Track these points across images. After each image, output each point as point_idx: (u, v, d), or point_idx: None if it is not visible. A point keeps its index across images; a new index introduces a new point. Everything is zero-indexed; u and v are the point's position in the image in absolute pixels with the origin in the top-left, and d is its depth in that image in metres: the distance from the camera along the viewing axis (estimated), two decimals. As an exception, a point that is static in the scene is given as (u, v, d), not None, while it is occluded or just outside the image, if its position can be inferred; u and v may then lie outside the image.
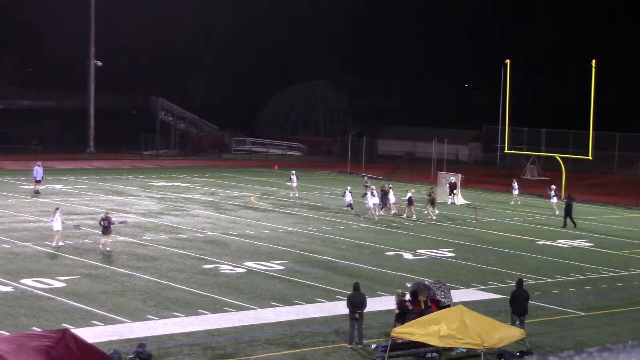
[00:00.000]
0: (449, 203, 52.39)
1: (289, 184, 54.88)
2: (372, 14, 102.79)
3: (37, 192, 50.18)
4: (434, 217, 45.24)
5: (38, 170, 50.70)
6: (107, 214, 34.01)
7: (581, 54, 73.26)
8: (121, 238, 36.56)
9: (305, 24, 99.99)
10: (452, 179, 54.45)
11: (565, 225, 44.11)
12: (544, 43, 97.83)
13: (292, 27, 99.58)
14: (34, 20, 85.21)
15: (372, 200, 44.57)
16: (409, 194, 45.52)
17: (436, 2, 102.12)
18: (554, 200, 49.23)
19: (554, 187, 50.54)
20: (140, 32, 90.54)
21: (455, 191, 53.25)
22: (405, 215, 45.53)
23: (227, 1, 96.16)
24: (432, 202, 45.83)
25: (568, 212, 44.34)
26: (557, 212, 47.85)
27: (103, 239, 33.37)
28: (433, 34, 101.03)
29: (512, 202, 52.63)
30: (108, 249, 33.12)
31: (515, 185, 53.24)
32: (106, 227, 32.96)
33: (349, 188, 47.19)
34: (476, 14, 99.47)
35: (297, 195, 53.22)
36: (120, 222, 36.26)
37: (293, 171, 55.94)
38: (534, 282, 30.48)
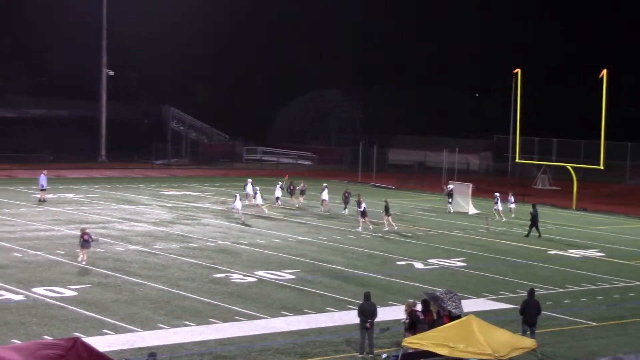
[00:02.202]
0: (451, 211, 52.35)
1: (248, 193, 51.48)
2: (383, 24, 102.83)
3: (43, 201, 50.35)
4: (394, 227, 43.89)
5: (43, 179, 50.95)
6: (84, 229, 33.69)
7: (593, 63, 73.09)
8: (132, 247, 36.68)
9: (316, 34, 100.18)
10: (450, 186, 54.38)
11: (528, 235, 43.77)
12: (555, 52, 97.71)
13: (303, 37, 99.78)
14: (46, 30, 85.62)
15: (239, 204, 46.28)
16: (363, 205, 44.19)
17: (447, 12, 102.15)
18: (501, 206, 49.40)
19: (497, 194, 50.29)
20: (151, 41, 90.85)
21: (451, 199, 53.19)
22: (360, 227, 43.72)
23: (238, 10, 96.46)
24: (387, 210, 44.18)
25: (534, 221, 44.07)
26: (504, 219, 48.73)
27: (82, 253, 32.66)
28: (444, 43, 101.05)
29: (513, 215, 51.55)
30: (84, 263, 32.40)
31: (512, 198, 52.54)
32: (86, 240, 32.51)
33: (280, 183, 53.30)
34: (486, 23, 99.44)
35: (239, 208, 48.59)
36: None
37: (249, 180, 53.45)
38: (545, 292, 30.42)
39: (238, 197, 46.54)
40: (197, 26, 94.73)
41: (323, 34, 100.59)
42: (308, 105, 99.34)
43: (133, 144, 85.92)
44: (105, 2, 79.99)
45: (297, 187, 53.71)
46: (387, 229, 43.80)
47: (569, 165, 61.41)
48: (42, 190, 50.79)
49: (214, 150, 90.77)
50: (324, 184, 53.41)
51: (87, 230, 33.41)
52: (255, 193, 49.51)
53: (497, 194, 50.52)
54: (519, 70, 59.83)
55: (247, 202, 50.73)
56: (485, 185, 65.51)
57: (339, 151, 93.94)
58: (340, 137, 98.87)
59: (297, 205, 52.48)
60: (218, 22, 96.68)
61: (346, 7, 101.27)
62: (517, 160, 63.92)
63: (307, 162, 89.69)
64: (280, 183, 54.02)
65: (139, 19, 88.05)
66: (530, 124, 67.43)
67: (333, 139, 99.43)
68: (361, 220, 43.93)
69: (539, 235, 43.70)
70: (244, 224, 44.52)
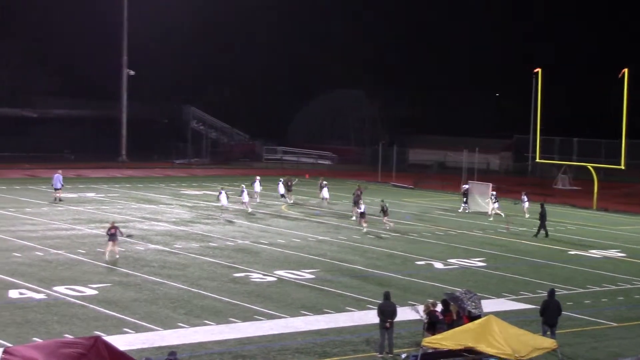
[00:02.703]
0: (467, 211, 52.24)
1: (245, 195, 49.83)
2: (401, 24, 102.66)
3: (59, 200, 50.67)
4: (392, 226, 43.61)
5: (58, 178, 51.30)
6: (113, 223, 34.15)
7: (613, 62, 72.66)
8: (152, 246, 36.81)
9: (335, 33, 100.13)
10: (466, 186, 54.34)
11: (538, 235, 43.46)
12: (576, 51, 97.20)
13: (323, 36, 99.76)
14: (67, 30, 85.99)
15: (224, 199, 46.71)
16: (363, 207, 44.30)
17: (465, 12, 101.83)
18: (497, 205, 48.97)
19: (494, 193, 49.86)
20: (172, 40, 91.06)
21: (466, 199, 53.08)
22: (365, 229, 43.08)
23: (258, 10, 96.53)
24: (384, 211, 43.84)
25: (542, 220, 43.79)
26: (491, 218, 48.09)
27: (110, 247, 33.33)
28: (463, 43, 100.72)
29: (527, 216, 51.03)
30: (117, 256, 33.25)
31: (525, 197, 52.18)
32: (113, 234, 33.12)
33: (281, 180, 54.14)
34: (507, 23, 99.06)
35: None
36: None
37: (257, 177, 54.10)
38: (565, 292, 30.29)
39: (223, 192, 46.93)
40: (216, 27, 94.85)
41: (342, 34, 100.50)
42: (328, 105, 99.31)
43: (153, 144, 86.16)
44: (126, 1, 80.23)
45: (319, 183, 55.30)
46: (392, 225, 43.82)
47: (589, 165, 61.10)
48: (56, 189, 51.14)
49: (234, 150, 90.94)
50: (325, 182, 54.30)
51: (116, 225, 33.78)
52: (242, 191, 49.26)
53: (494, 193, 49.80)
54: (539, 70, 59.63)
55: (257, 200, 52.57)
56: (505, 185, 65.23)
57: (359, 151, 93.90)
58: (359, 136, 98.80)
59: (290, 201, 53.68)
60: (238, 22, 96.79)
61: (356, 4, 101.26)
62: (537, 160, 63.65)
63: (327, 162, 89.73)
64: (281, 180, 54.82)
65: (160, 18, 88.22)
66: (550, 123, 67.13)
67: (353, 139, 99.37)
68: (361, 220, 43.79)
69: (537, 235, 43.36)
70: (229, 221, 45.05)
